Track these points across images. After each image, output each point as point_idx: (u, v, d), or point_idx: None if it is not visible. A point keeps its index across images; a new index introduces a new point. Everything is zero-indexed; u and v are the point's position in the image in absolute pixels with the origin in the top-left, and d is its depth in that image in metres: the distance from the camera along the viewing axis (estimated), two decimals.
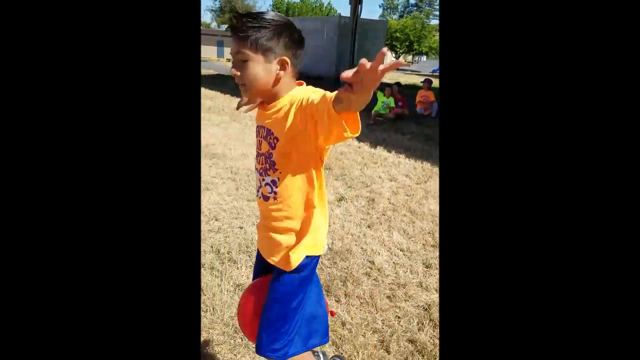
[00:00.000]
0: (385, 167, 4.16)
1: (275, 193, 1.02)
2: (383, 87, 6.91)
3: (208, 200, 3.03)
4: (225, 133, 5.34)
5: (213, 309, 1.79)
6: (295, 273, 1.04)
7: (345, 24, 13.33)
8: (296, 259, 1.03)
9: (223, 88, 9.95)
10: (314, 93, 0.92)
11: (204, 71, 15.90)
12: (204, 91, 9.14)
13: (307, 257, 1.04)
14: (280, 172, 1.00)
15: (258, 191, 1.07)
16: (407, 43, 35.33)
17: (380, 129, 6.00)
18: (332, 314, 1.59)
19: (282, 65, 0.94)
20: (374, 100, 6.75)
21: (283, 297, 1.04)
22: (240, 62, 0.92)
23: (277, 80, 0.94)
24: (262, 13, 0.94)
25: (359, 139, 5.30)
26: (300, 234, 1.03)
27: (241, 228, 2.62)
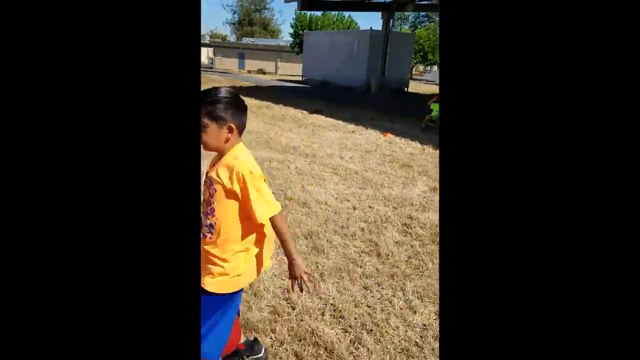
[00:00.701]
0: None
1: (212, 234, 1.23)
2: (439, 97, 7.68)
3: (332, 188, 3.77)
4: (301, 137, 6.10)
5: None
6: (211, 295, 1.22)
7: (375, 37, 14.17)
8: (213, 286, 1.22)
9: (266, 96, 10.75)
10: (254, 183, 1.16)
11: (241, 83, 16.80)
12: (257, 102, 9.94)
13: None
14: (216, 219, 1.20)
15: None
16: (421, 53, 36.08)
17: (434, 133, 6.73)
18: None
19: (230, 130, 1.18)
20: (429, 108, 7.52)
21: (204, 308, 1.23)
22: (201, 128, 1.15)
23: (226, 140, 1.20)
24: (216, 90, 1.18)
25: (421, 142, 6.03)
26: (222, 272, 1.23)
27: (371, 207, 3.35)
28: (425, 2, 13.41)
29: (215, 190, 1.19)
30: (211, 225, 1.21)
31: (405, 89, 15.40)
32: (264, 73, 31.43)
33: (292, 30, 28.10)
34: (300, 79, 20.10)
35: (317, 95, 12.23)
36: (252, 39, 43.19)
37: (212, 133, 1.17)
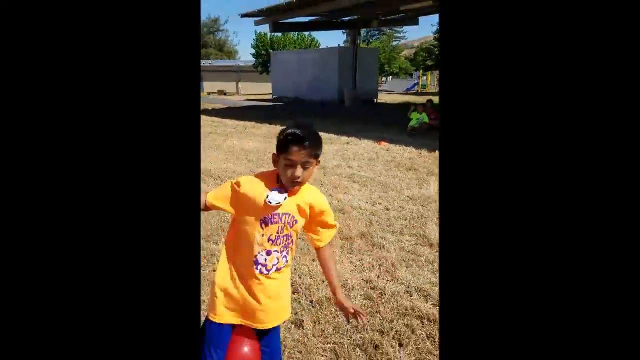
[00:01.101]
0: None
1: (286, 264, 1.26)
2: (417, 106, 8.27)
3: (358, 194, 4.11)
4: None
5: None
6: None
7: (343, 53, 14.88)
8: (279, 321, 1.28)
9: (245, 117, 10.99)
10: (330, 215, 1.29)
11: (212, 105, 16.88)
12: (241, 123, 10.15)
13: None
14: (292, 246, 1.25)
15: (269, 271, 1.21)
16: (378, 66, 37.54)
17: (423, 139, 7.26)
18: None
19: (318, 164, 1.22)
20: (409, 118, 8.09)
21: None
22: (304, 167, 1.15)
23: None
24: (313, 129, 1.19)
25: (415, 147, 6.51)
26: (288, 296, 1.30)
27: (402, 207, 3.72)
28: (389, 18, 14.27)
29: (297, 222, 1.23)
30: (285, 257, 1.24)
31: (375, 100, 16.16)
32: (225, 94, 31.46)
33: (253, 51, 28.55)
34: (267, 97, 20.46)
35: (295, 112, 12.60)
36: (209, 62, 43.19)
37: (312, 170, 1.19)
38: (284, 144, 1.15)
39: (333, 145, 7.09)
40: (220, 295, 1.21)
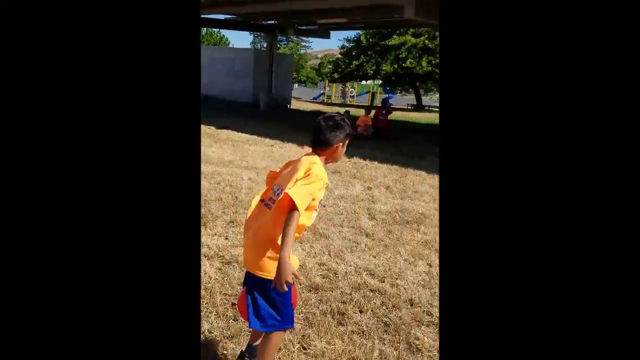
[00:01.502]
0: (371, 170, 6.05)
1: None
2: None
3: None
4: (227, 152, 6.51)
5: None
6: None
7: (259, 55, 15.06)
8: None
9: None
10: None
11: None
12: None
13: None
14: None
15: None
16: (292, 72, 38.32)
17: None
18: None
19: None
20: None
21: None
22: None
23: None
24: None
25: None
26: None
27: (336, 204, 4.16)
28: (305, 27, 14.89)
29: None
30: None
31: (288, 105, 16.64)
32: None
33: None
34: None
35: (210, 110, 12.38)
36: None
37: None
38: (350, 130, 1.62)
39: (258, 146, 7.31)
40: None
